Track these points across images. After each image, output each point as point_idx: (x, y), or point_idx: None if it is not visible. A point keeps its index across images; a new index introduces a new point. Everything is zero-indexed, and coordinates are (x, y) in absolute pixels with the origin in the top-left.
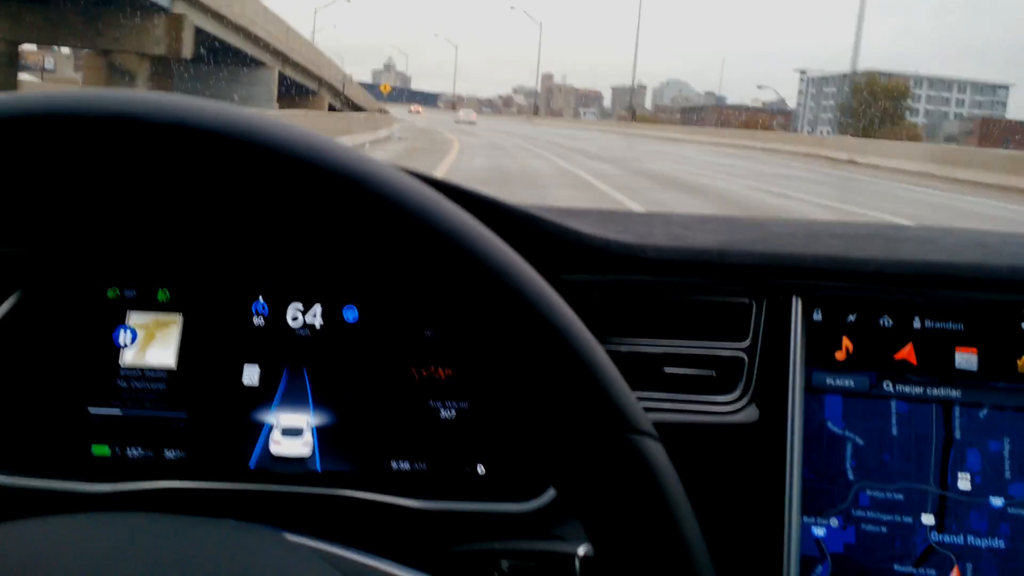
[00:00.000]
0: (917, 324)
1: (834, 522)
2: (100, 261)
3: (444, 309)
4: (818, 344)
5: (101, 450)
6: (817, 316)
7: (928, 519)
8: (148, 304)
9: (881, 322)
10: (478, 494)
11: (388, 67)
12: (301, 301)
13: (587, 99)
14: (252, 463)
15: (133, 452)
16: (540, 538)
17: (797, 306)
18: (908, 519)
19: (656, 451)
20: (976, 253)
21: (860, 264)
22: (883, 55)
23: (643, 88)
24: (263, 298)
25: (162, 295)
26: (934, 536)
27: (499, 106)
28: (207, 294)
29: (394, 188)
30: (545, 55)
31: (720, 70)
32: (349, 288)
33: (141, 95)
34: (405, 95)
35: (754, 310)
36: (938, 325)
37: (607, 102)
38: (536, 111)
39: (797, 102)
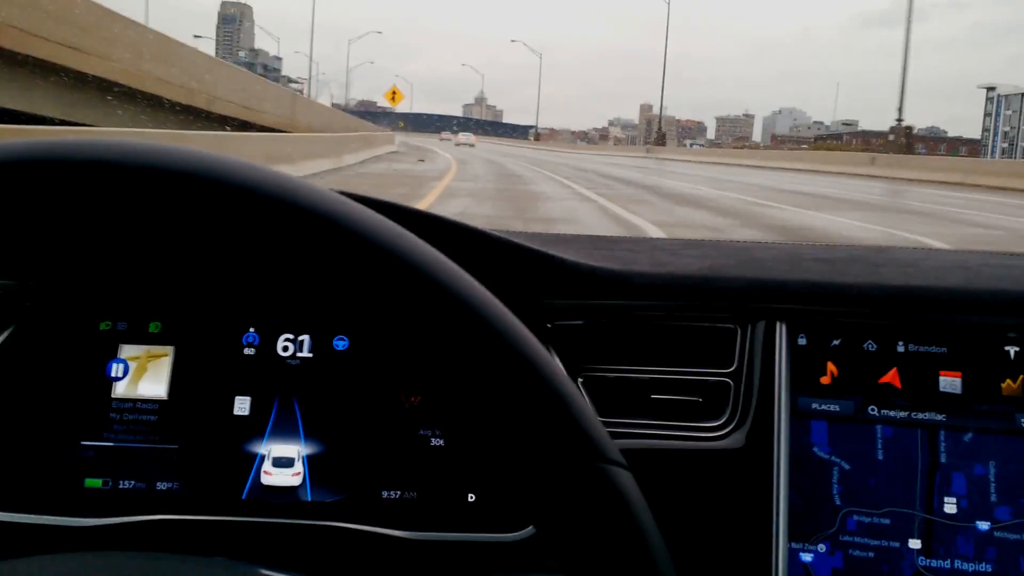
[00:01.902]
0: (901, 348)
1: (822, 547)
2: (93, 295)
3: (418, 342)
4: (803, 369)
5: (94, 483)
6: (802, 341)
7: (915, 543)
8: (140, 337)
9: (865, 346)
10: (468, 523)
11: (479, 100)
12: (291, 332)
13: (690, 130)
14: (244, 494)
15: (125, 484)
16: (530, 568)
17: (782, 331)
18: (895, 544)
19: (626, 479)
20: (958, 276)
21: (843, 288)
22: None
23: (750, 117)
24: (254, 329)
25: (154, 327)
26: (921, 560)
27: (595, 139)
28: (198, 326)
29: (365, 228)
30: (643, 87)
31: (834, 97)
32: (338, 320)
33: (136, 142)
34: (498, 128)
35: (739, 335)
36: (922, 349)
37: (710, 133)
38: (661, 140)
39: (984, 125)
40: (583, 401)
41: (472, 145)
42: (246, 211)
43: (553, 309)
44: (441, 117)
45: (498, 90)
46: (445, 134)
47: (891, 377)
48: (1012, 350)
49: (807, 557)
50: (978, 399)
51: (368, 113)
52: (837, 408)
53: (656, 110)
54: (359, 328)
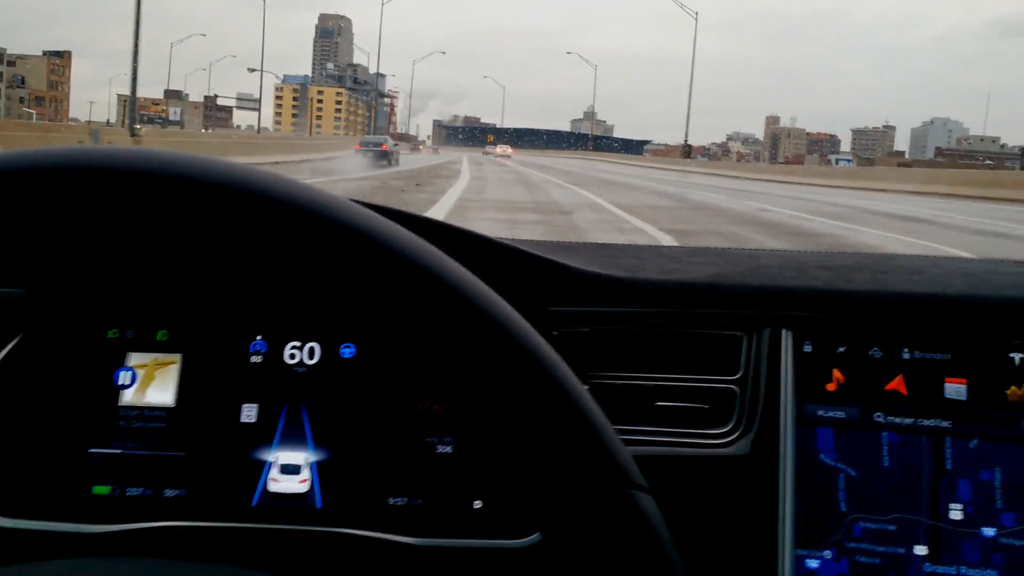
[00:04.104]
0: (906, 355)
1: (828, 554)
2: (101, 303)
3: (448, 362)
4: (809, 376)
5: (102, 490)
6: (807, 348)
7: (921, 550)
8: (147, 345)
9: (871, 353)
10: (475, 530)
11: (587, 115)
12: (298, 340)
13: (821, 144)
14: (254, 501)
15: (133, 491)
16: (538, 573)
17: (787, 338)
18: (901, 550)
19: (650, 504)
20: (963, 283)
21: (848, 296)
22: None
23: (891, 129)
24: (261, 337)
25: (161, 335)
26: (927, 567)
27: (717, 155)
28: (205, 334)
29: (397, 245)
30: (768, 97)
31: (982, 110)
32: (346, 327)
33: (149, 151)
34: (609, 143)
35: (745, 343)
36: (927, 356)
37: (845, 145)
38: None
39: None
40: (609, 426)
41: (509, 156)
42: (278, 223)
43: (558, 316)
44: (549, 132)
45: (608, 106)
46: (500, 147)
47: (897, 384)
48: (1017, 357)
49: (813, 563)
50: (983, 406)
51: (472, 128)
52: (843, 415)
53: (785, 122)
54: (371, 337)
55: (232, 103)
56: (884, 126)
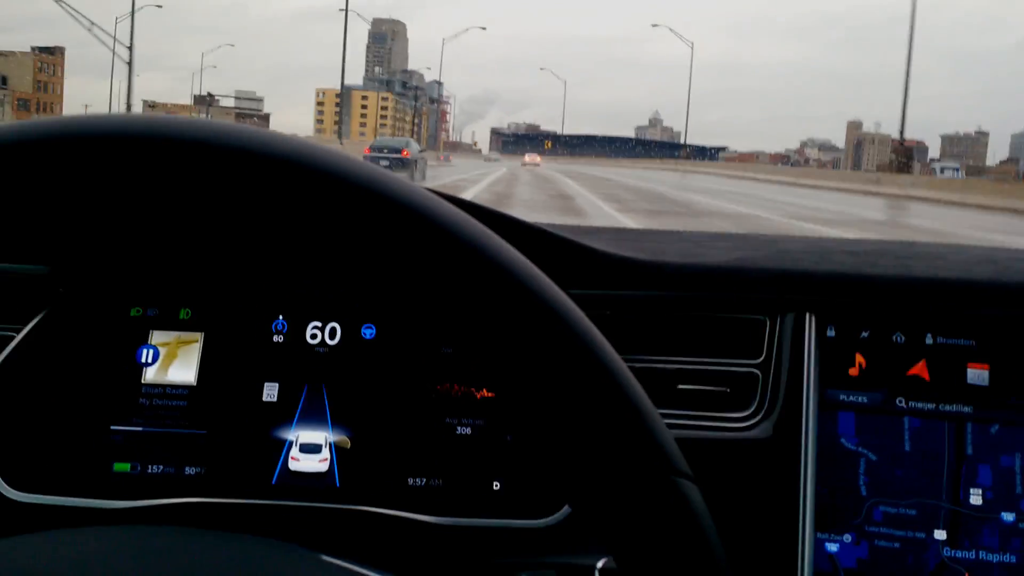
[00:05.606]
0: (929, 340)
1: (847, 538)
2: (124, 280)
3: (489, 343)
4: (832, 360)
5: (122, 467)
6: (831, 332)
7: (940, 534)
8: (170, 323)
9: (894, 338)
10: (494, 510)
11: (653, 122)
12: (320, 320)
13: (909, 150)
14: (274, 479)
15: (154, 469)
16: (557, 552)
17: (811, 322)
18: (921, 534)
19: (695, 493)
20: (986, 270)
21: (872, 280)
22: None
23: (984, 135)
24: (282, 316)
25: (184, 314)
26: (946, 551)
27: (799, 162)
28: (228, 313)
29: (452, 224)
30: (849, 101)
31: None
32: (368, 307)
33: (176, 118)
34: (677, 150)
35: (768, 327)
36: (950, 341)
37: (933, 152)
38: None
39: None
40: (656, 412)
41: (537, 165)
42: (323, 198)
43: (580, 299)
44: (612, 139)
45: (674, 113)
46: (528, 157)
47: (919, 369)
48: None
49: (833, 547)
50: (1005, 392)
51: (528, 136)
52: (865, 400)
53: (868, 127)
54: (397, 315)
55: (231, 102)
56: (977, 132)
